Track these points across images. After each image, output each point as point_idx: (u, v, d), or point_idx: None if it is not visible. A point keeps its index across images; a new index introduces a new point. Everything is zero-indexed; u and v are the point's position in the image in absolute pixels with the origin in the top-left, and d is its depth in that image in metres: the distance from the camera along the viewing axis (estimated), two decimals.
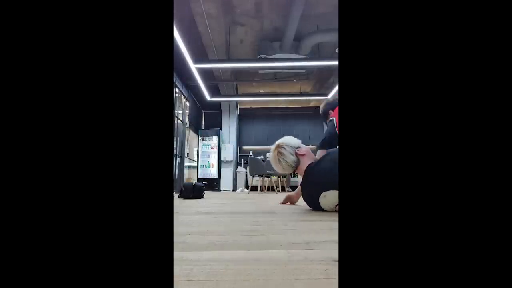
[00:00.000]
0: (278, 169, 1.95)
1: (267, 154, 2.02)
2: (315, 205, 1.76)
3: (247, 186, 7.81)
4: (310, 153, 1.96)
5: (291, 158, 1.89)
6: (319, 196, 1.69)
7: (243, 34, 5.34)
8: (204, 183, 4.09)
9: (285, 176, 7.16)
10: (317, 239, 0.88)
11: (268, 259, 0.65)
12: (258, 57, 5.62)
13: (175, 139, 6.30)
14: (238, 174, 8.18)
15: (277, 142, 1.97)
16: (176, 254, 0.69)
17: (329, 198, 1.67)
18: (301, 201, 2.09)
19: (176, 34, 3.73)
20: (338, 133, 2.17)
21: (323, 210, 1.73)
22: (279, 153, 1.91)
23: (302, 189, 1.88)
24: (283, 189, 6.78)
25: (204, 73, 6.06)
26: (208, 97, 6.81)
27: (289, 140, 1.96)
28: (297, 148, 1.93)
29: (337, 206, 1.68)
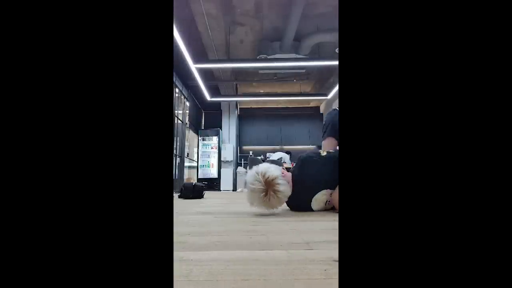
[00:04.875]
0: (271, 206, 1.60)
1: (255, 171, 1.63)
2: (304, 209, 1.75)
3: None
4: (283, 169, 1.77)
5: (287, 188, 1.61)
6: (310, 202, 1.69)
7: (243, 34, 5.34)
8: (204, 183, 4.09)
9: None
10: (317, 239, 0.88)
11: (268, 259, 0.65)
12: (258, 57, 5.62)
13: (175, 139, 6.30)
14: (238, 174, 8.17)
15: (265, 177, 1.56)
16: (176, 254, 0.69)
17: (319, 199, 1.69)
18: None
19: (176, 34, 3.73)
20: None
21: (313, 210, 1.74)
22: (276, 191, 1.55)
23: (288, 200, 1.74)
24: None
25: (204, 73, 6.06)
26: (208, 97, 6.81)
27: (274, 171, 1.62)
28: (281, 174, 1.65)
29: (327, 203, 1.70)
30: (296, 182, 1.70)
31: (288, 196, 1.64)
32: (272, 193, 1.55)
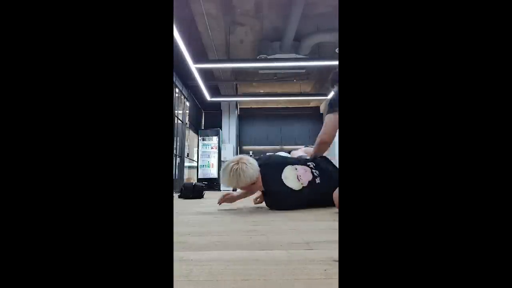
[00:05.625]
0: (232, 183, 1.88)
1: (230, 165, 1.92)
2: (282, 198, 1.83)
3: None
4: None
5: (251, 173, 1.84)
6: (282, 181, 1.84)
7: (243, 34, 5.34)
8: (204, 183, 4.09)
9: None
10: (317, 239, 0.88)
11: (268, 259, 0.65)
12: (258, 57, 5.61)
13: (175, 139, 6.30)
14: None
15: (237, 158, 1.92)
16: (176, 254, 0.69)
17: (288, 174, 1.86)
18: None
19: (176, 34, 3.73)
20: None
21: (297, 205, 1.82)
22: (242, 169, 1.83)
23: (265, 193, 1.94)
24: None
25: (204, 73, 6.06)
26: (208, 97, 6.81)
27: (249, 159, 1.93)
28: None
29: (299, 177, 1.85)
30: (263, 175, 1.91)
31: (253, 177, 1.86)
32: (241, 164, 1.84)
